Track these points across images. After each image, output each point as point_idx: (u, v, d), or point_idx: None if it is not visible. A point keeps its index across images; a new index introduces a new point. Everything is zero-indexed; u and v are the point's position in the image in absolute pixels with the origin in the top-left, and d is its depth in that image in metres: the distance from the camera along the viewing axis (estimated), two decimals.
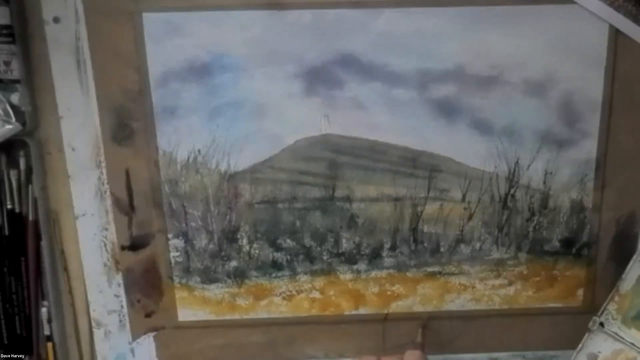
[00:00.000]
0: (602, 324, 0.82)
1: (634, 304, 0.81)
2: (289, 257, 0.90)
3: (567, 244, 0.90)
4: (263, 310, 0.92)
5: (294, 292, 0.91)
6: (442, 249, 0.90)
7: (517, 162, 0.85)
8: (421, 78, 0.81)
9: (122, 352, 0.93)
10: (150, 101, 0.81)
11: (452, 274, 0.91)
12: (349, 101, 0.82)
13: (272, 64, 0.80)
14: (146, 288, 0.90)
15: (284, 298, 0.92)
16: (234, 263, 0.90)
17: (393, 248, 0.90)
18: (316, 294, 0.92)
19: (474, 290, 0.92)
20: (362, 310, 0.93)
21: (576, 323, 0.94)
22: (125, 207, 0.86)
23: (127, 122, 0.83)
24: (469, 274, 0.91)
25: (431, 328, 0.93)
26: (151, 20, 0.78)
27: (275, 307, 0.92)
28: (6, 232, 0.82)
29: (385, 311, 0.93)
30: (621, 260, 0.90)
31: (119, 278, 0.89)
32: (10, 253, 0.86)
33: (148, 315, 0.92)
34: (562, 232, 0.89)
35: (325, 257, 0.90)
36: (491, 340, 0.95)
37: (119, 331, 0.92)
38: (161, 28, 0.78)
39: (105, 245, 0.88)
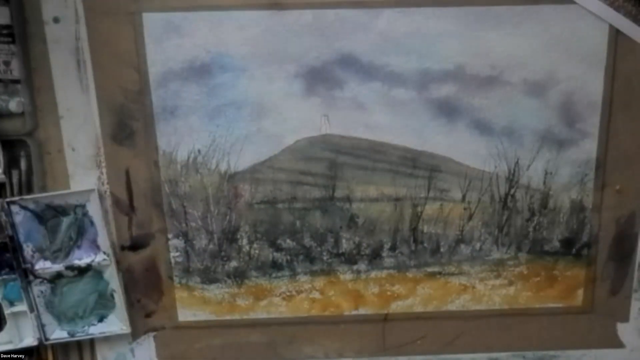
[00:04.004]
0: None
1: None
2: (288, 257, 0.90)
3: (567, 244, 0.90)
4: (263, 311, 0.92)
5: (293, 293, 0.91)
6: (442, 249, 0.90)
7: (517, 162, 0.85)
8: (421, 78, 0.81)
9: (122, 352, 0.93)
10: (150, 101, 0.82)
11: (452, 274, 0.91)
12: (349, 101, 0.82)
13: (272, 64, 0.80)
14: (146, 288, 0.90)
15: (283, 298, 0.92)
16: (234, 263, 0.90)
17: (393, 248, 0.90)
18: (316, 294, 0.92)
19: (474, 290, 0.92)
20: (362, 310, 0.93)
21: (576, 323, 0.94)
22: (125, 207, 0.86)
23: (127, 122, 0.83)
24: (469, 274, 0.91)
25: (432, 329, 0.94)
26: (151, 20, 0.78)
27: (275, 308, 0.92)
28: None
29: (385, 311, 0.93)
30: (621, 260, 0.91)
31: (119, 278, 0.89)
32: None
33: (148, 315, 0.92)
34: (562, 232, 0.89)
35: (325, 258, 0.90)
36: (491, 340, 0.95)
37: None
38: (161, 28, 0.79)
39: None
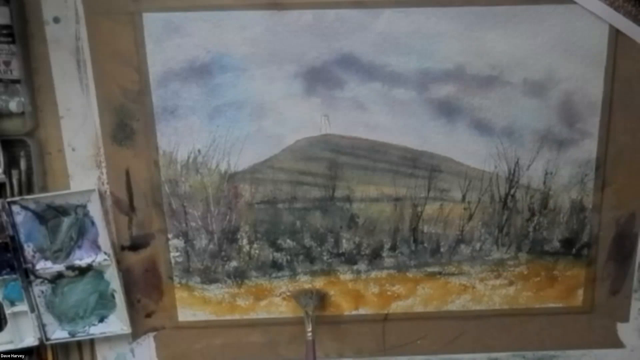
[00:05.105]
0: None
1: None
2: (289, 257, 0.90)
3: (567, 244, 0.90)
4: (263, 310, 0.92)
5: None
6: (442, 249, 0.90)
7: (517, 162, 0.85)
8: (421, 78, 0.81)
9: (122, 352, 0.93)
10: (150, 101, 0.82)
11: (452, 274, 0.91)
12: (349, 101, 0.82)
13: (272, 64, 0.80)
14: (146, 288, 0.90)
15: (283, 298, 0.92)
16: (234, 263, 0.90)
17: (393, 248, 0.90)
18: None
19: (474, 290, 0.92)
20: (362, 310, 0.93)
21: (576, 323, 0.94)
22: (125, 207, 0.86)
23: (127, 122, 0.83)
24: (469, 274, 0.91)
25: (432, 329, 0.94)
26: (151, 20, 0.78)
27: (275, 307, 0.92)
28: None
29: (385, 311, 0.93)
30: (621, 260, 0.91)
31: (119, 278, 0.89)
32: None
33: (148, 315, 0.92)
34: (562, 232, 0.89)
35: (325, 258, 0.90)
36: (491, 340, 0.95)
37: None
38: (161, 28, 0.79)
39: None
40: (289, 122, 0.83)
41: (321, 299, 0.90)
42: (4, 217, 0.82)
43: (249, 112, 0.82)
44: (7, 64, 0.78)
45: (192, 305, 0.91)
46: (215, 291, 0.91)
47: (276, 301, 0.92)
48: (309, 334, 0.85)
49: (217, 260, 0.89)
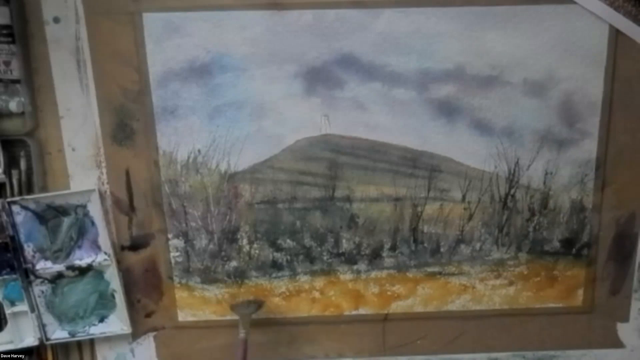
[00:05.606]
0: None
1: None
2: (289, 257, 0.90)
3: (567, 244, 0.90)
4: (263, 311, 0.92)
5: (294, 293, 0.91)
6: (442, 249, 0.90)
7: (517, 162, 0.85)
8: (421, 78, 0.81)
9: (122, 352, 0.93)
10: (150, 101, 0.82)
11: (452, 274, 0.91)
12: (349, 101, 0.82)
13: (272, 64, 0.80)
14: (146, 288, 0.90)
15: (283, 298, 0.92)
16: (234, 263, 0.90)
17: (393, 248, 0.90)
18: (316, 294, 0.92)
19: (474, 290, 0.92)
20: (362, 310, 0.93)
21: (576, 323, 0.94)
22: (125, 207, 0.86)
23: (127, 122, 0.83)
24: (469, 274, 0.91)
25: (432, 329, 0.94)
26: (151, 20, 0.78)
27: (275, 307, 0.92)
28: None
29: (385, 311, 0.93)
30: (621, 260, 0.91)
31: (119, 278, 0.89)
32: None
33: (148, 315, 0.92)
34: (562, 232, 0.89)
35: (325, 258, 0.90)
36: (491, 340, 0.95)
37: None
38: (161, 28, 0.79)
39: None
40: (289, 122, 0.83)
41: (259, 306, 0.90)
42: (4, 217, 0.82)
43: (249, 112, 0.82)
44: (7, 64, 0.78)
45: (192, 305, 0.91)
46: (215, 291, 0.91)
47: (276, 301, 0.92)
48: (242, 333, 0.84)
49: (217, 260, 0.89)
